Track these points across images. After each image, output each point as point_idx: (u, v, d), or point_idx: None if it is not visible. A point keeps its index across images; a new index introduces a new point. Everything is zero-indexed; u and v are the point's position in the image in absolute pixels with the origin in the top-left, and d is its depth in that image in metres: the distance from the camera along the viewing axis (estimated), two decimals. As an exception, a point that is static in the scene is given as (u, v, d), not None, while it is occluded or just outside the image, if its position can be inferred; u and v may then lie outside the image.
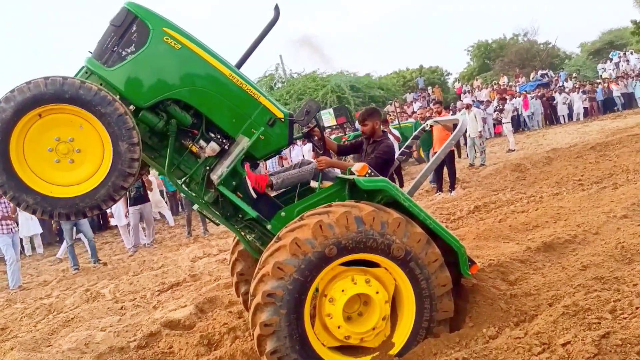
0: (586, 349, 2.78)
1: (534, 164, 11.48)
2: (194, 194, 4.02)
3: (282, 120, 3.88)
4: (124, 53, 3.63)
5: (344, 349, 3.55)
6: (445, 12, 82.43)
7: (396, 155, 4.99)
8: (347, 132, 17.45)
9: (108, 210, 11.56)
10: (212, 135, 3.87)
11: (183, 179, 3.97)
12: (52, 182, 3.30)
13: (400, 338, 3.53)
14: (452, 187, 10.30)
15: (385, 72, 36.46)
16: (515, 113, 21.00)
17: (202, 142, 3.84)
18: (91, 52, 3.70)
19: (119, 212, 10.97)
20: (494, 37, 40.45)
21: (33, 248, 13.20)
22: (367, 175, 3.75)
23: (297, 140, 13.88)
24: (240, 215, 4.05)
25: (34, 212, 3.30)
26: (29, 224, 12.43)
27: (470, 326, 3.69)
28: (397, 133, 12.32)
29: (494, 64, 38.25)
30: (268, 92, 27.84)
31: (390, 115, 19.75)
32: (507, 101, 19.91)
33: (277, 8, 4.08)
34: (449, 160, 10.22)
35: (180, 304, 6.23)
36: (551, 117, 22.87)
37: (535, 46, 37.78)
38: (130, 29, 3.63)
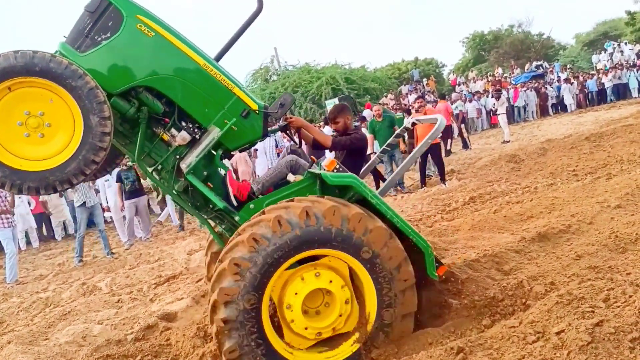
0: (580, 337, 2.81)
1: (528, 155, 11.50)
2: (165, 183, 4.03)
3: (257, 112, 3.84)
4: (97, 39, 3.62)
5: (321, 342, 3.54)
6: (441, 3, 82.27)
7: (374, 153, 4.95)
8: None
9: (104, 204, 11.55)
10: (184, 124, 3.86)
11: (154, 167, 3.96)
12: (22, 156, 3.29)
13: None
14: (442, 180, 10.22)
15: (380, 64, 36.36)
16: (508, 104, 21.03)
17: (173, 131, 3.84)
18: (66, 37, 3.68)
19: (114, 206, 10.95)
20: (490, 28, 40.43)
21: (28, 242, 13.15)
22: (335, 170, 3.70)
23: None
24: (210, 206, 4.03)
25: (2, 186, 3.29)
26: (25, 219, 12.41)
27: (465, 316, 3.72)
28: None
29: (489, 55, 38.23)
30: (263, 84, 28.00)
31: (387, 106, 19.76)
32: (502, 93, 19.95)
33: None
34: (435, 154, 10.19)
35: (176, 296, 6.24)
36: (546, 108, 22.92)
37: (530, 37, 37.78)
38: (104, 15, 3.62)
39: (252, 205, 3.76)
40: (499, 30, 39.88)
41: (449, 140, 15.10)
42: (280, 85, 26.70)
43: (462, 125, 16.49)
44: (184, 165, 3.78)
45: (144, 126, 3.78)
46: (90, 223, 10.27)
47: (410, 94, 24.58)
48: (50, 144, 3.32)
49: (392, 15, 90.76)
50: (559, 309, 3.25)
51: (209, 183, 3.91)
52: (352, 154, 4.50)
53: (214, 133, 3.78)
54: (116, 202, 10.80)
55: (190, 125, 3.86)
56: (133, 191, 10.52)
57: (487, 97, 21.49)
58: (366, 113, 16.87)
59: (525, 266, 4.55)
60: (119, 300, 6.60)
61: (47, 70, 3.20)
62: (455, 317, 3.79)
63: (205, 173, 3.91)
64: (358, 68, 29.06)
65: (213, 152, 3.87)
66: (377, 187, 11.55)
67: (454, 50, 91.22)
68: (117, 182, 10.56)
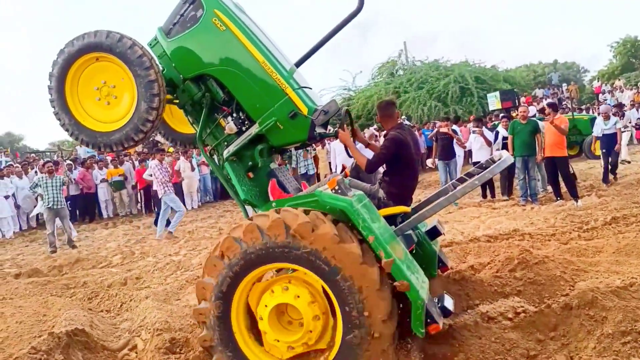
0: None
1: (685, 176, 10.21)
2: (218, 165, 4.32)
3: (306, 115, 3.88)
4: (183, 27, 4.06)
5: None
6: (587, 3, 75.58)
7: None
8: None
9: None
10: (236, 115, 4.14)
11: (210, 149, 4.32)
12: (88, 113, 4.04)
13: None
14: (574, 197, 9.21)
15: (514, 65, 34.37)
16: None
17: (229, 119, 4.12)
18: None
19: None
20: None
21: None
22: (334, 190, 3.48)
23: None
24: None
25: (66, 131, 4.11)
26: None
27: (609, 347, 3.39)
28: (489, 136, 11.05)
29: (641, 63, 34.52)
30: (388, 78, 27.69)
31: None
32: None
33: None
34: (563, 169, 9.36)
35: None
36: None
37: (695, 45, 33.48)
38: (192, 6, 4.04)
39: (274, 204, 3.76)
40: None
41: None
42: (405, 81, 26.27)
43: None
44: (224, 153, 4.09)
45: (207, 110, 4.15)
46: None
47: (546, 99, 22.96)
48: (110, 112, 4.01)
49: (530, 15, 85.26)
50: None
51: (249, 173, 4.15)
52: (391, 162, 4.27)
53: (253, 128, 4.00)
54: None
55: (242, 117, 4.13)
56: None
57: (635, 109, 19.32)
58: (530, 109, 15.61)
59: (684, 302, 4.03)
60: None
61: (123, 54, 3.80)
62: (597, 346, 3.49)
63: (250, 163, 4.14)
64: (489, 67, 27.65)
65: (260, 145, 4.05)
66: (484, 195, 10.97)
67: (599, 55, 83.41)
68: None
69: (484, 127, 11.55)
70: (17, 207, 13.74)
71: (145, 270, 7.71)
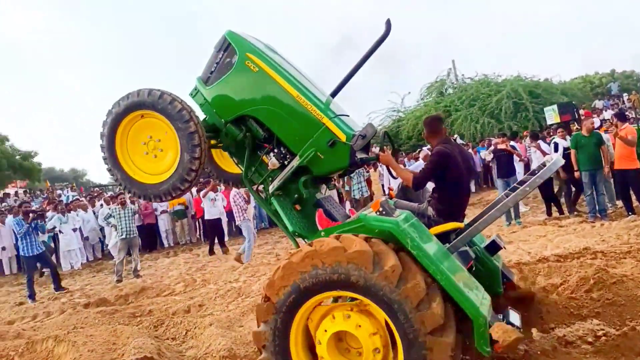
0: None
1: None
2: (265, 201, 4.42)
3: (344, 143, 3.89)
4: (218, 74, 4.26)
5: None
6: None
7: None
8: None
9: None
10: (280, 150, 4.24)
11: (256, 186, 4.43)
12: (138, 166, 4.25)
13: None
14: None
15: (569, 77, 33.18)
16: None
17: (271, 155, 4.23)
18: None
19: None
20: None
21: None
22: (378, 212, 3.40)
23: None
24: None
25: (119, 185, 4.38)
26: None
27: None
28: (546, 149, 10.62)
29: None
30: (438, 98, 27.36)
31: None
32: None
33: (388, 22, 4.02)
34: (634, 181, 8.87)
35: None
36: None
37: None
38: (225, 53, 4.25)
39: (322, 233, 3.78)
40: None
41: None
42: (456, 99, 25.92)
43: None
44: (270, 188, 4.17)
45: (249, 150, 4.32)
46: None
47: (607, 110, 22.01)
48: (158, 165, 4.21)
49: (583, 25, 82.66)
50: None
51: (296, 205, 4.19)
52: (438, 177, 4.10)
53: (294, 161, 4.06)
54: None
55: (283, 151, 4.21)
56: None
57: None
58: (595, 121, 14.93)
59: None
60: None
61: (164, 110, 4.00)
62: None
63: (296, 195, 4.19)
64: (543, 81, 26.83)
65: (303, 177, 4.09)
66: (549, 212, 10.48)
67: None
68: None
69: (541, 141, 11.18)
70: (84, 239, 14.37)
71: (208, 297, 7.80)
